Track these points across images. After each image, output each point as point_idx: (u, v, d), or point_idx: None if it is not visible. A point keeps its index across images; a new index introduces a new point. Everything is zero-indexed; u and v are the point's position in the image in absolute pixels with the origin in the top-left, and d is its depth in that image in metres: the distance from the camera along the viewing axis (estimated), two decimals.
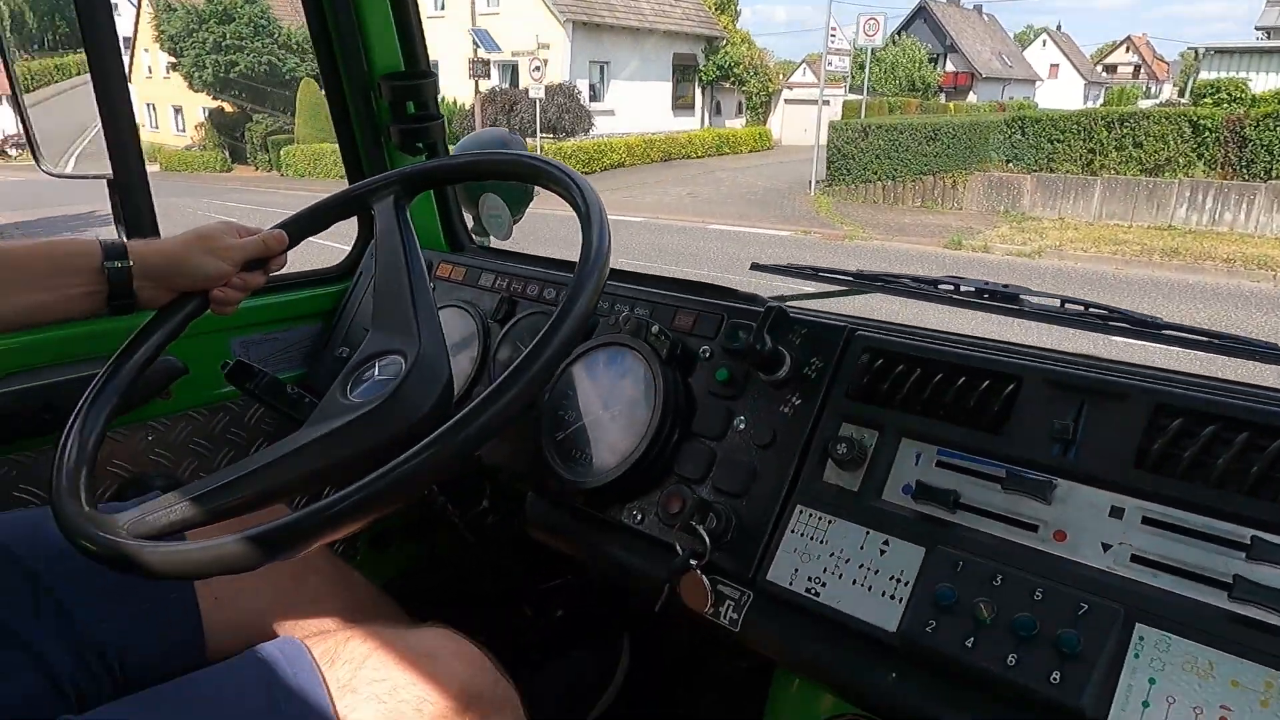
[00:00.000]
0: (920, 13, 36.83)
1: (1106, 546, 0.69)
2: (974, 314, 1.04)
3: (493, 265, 1.29)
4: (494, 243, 1.59)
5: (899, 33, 35.08)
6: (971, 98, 34.39)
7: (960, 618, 0.69)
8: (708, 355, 0.98)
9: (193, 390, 1.33)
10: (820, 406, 0.87)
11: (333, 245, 1.65)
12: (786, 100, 29.49)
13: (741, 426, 0.91)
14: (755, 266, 1.25)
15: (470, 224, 1.69)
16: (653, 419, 0.94)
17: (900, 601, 0.73)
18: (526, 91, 20.01)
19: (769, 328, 0.89)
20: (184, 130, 30.59)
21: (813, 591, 0.79)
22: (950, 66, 36.08)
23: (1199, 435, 0.68)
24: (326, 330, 1.47)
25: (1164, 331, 0.90)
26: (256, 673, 0.67)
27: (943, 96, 33.30)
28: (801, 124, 16.10)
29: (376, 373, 0.89)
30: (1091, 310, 0.97)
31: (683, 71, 27.44)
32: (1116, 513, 0.69)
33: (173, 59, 26.52)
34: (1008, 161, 14.49)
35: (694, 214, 14.19)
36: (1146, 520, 0.68)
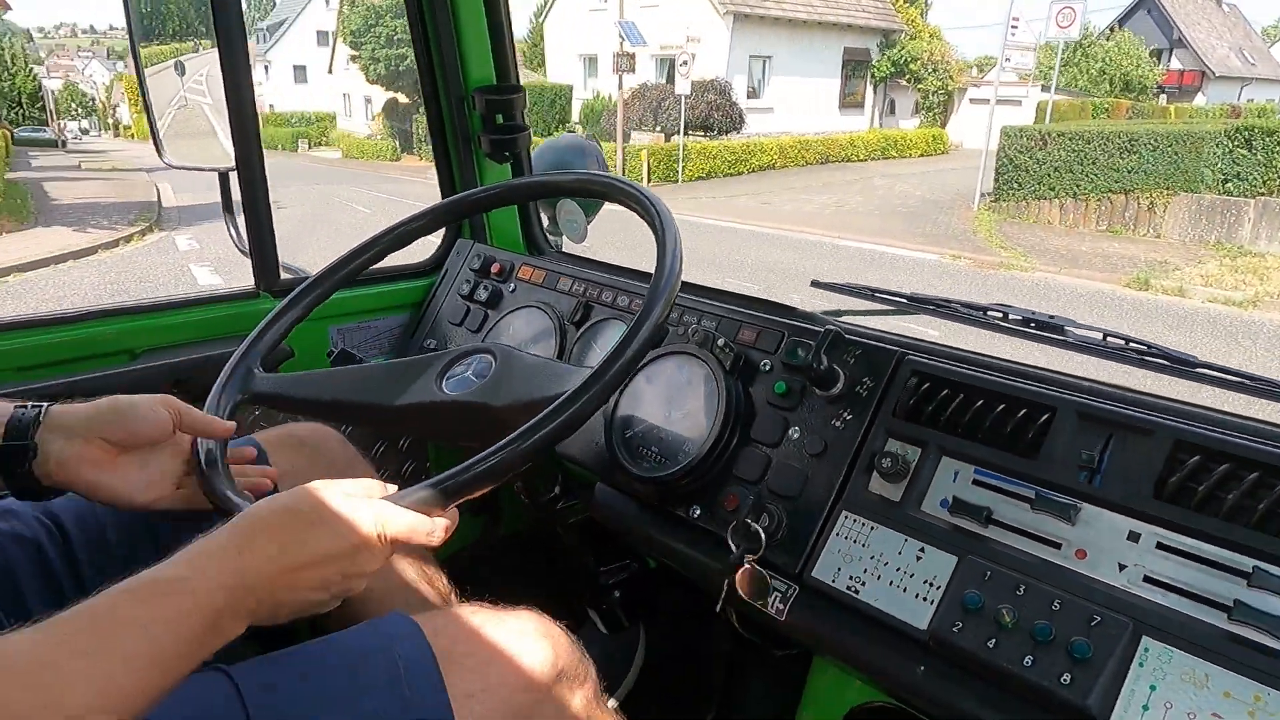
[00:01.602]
0: (1143, 2, 31.83)
1: (1122, 566, 0.76)
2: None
3: (570, 270, 1.40)
4: (569, 245, 1.70)
5: (1117, 25, 31.54)
6: (1200, 100, 30.19)
7: (985, 620, 0.78)
8: (768, 368, 1.07)
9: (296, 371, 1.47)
10: (869, 422, 0.96)
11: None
12: (971, 100, 26.59)
13: (796, 436, 1.01)
14: (815, 284, 1.34)
15: (546, 224, 1.80)
16: (715, 424, 1.04)
17: (931, 603, 0.82)
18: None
19: (826, 348, 0.98)
20: (371, 120, 32.84)
21: (853, 589, 0.88)
22: (1176, 64, 31.34)
23: (1213, 471, 0.75)
24: (415, 320, 1.59)
25: (1197, 370, 0.97)
26: (378, 644, 0.77)
27: (1163, 98, 29.51)
28: (987, 126, 13.44)
29: (462, 370, 1.01)
30: (1131, 345, 1.03)
31: (853, 67, 25.52)
32: (1134, 537, 0.77)
33: (353, 52, 27.86)
34: (1225, 181, 11.65)
35: (829, 227, 12.65)
36: (1160, 545, 0.76)
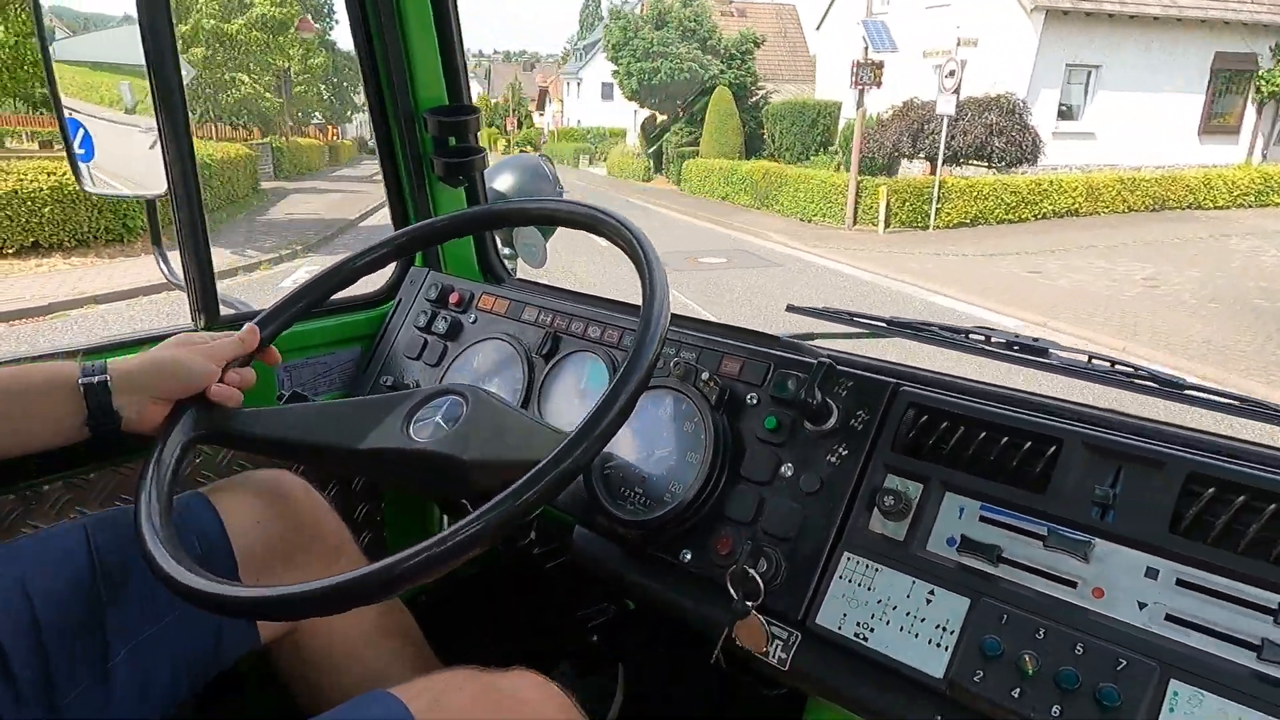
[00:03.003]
0: None
1: (1142, 605, 0.74)
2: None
3: (535, 300, 1.33)
4: (527, 272, 1.64)
5: None
6: None
7: (1006, 668, 0.74)
8: (754, 402, 1.03)
9: None
10: (866, 458, 0.92)
11: None
12: None
13: (789, 473, 0.96)
14: (791, 308, 1.30)
15: (502, 248, 1.73)
16: (704, 462, 0.99)
17: (946, 649, 0.79)
18: (934, 105, 14.19)
19: (820, 381, 0.94)
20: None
21: (861, 636, 0.84)
22: None
23: (1230, 504, 0.74)
24: (367, 355, 1.51)
25: (1185, 392, 0.96)
26: None
27: None
28: None
29: (431, 414, 0.94)
30: (1118, 368, 1.02)
31: (1227, 79, 17.76)
32: (1152, 573, 0.75)
33: (614, 67, 26.84)
34: None
35: (1119, 329, 7.70)
36: (1180, 582, 0.74)
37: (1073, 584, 0.78)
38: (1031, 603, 0.78)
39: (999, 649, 0.75)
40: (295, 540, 1.03)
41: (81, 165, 1.41)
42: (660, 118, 26.60)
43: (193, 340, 0.96)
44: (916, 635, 0.81)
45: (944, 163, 14.39)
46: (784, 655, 0.89)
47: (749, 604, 0.88)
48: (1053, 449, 0.84)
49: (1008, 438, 0.86)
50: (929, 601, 0.82)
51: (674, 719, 1.40)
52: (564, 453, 0.74)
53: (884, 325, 1.20)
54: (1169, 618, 0.73)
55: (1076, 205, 15.14)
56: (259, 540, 1.00)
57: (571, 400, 1.20)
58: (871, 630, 0.84)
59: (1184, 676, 0.69)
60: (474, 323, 1.38)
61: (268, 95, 26.55)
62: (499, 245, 1.67)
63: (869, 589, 0.86)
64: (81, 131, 1.44)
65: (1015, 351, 1.09)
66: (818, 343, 1.19)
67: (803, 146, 20.55)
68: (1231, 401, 0.95)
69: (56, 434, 0.87)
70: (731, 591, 0.90)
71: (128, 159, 1.44)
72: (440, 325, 1.40)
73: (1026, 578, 0.80)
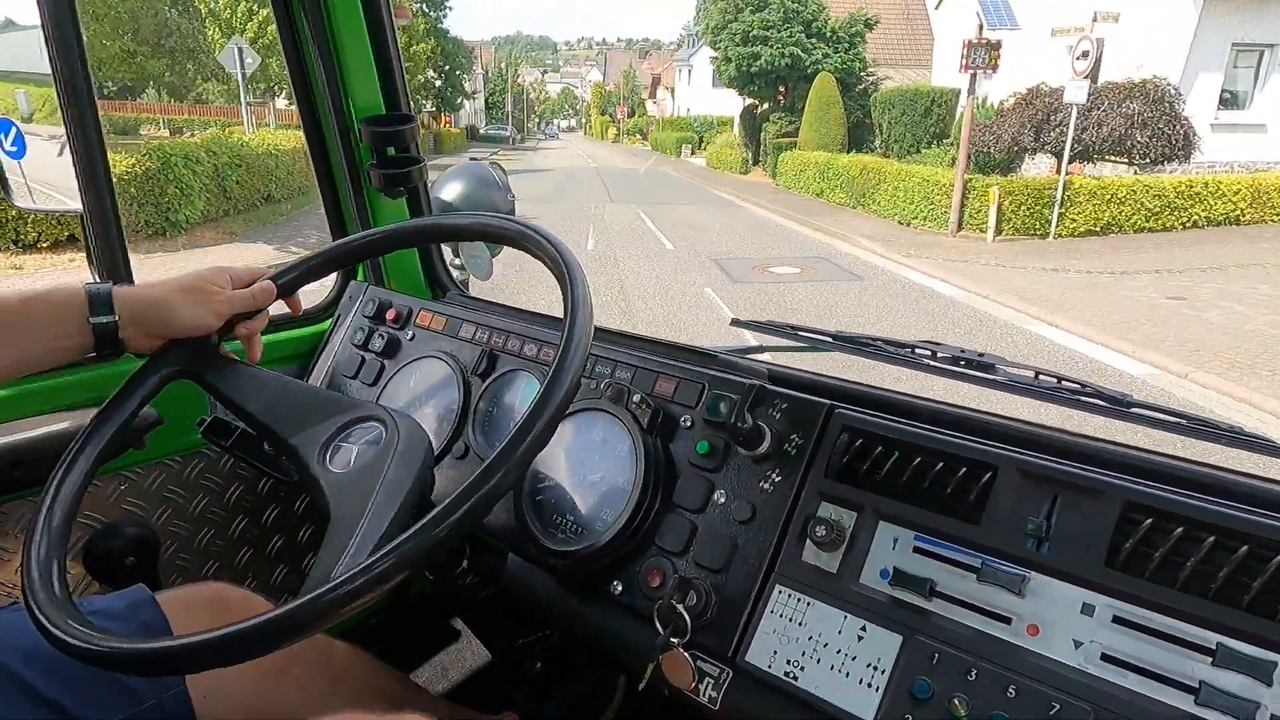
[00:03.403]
0: None
1: (1078, 643, 0.70)
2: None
3: (473, 317, 1.28)
4: (475, 287, 1.59)
5: None
6: None
7: (936, 712, 0.70)
8: (689, 425, 0.99)
9: (167, 438, 1.31)
10: (800, 484, 0.88)
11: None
12: None
13: (721, 500, 0.92)
14: (735, 323, 1.26)
15: (450, 258, 1.68)
16: (634, 489, 0.94)
17: (877, 690, 0.75)
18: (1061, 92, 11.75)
19: (750, 404, 0.90)
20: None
21: (791, 675, 0.80)
22: None
23: (1169, 534, 0.70)
24: (305, 372, 1.45)
25: (1133, 410, 0.93)
26: None
27: None
28: None
29: (355, 441, 0.89)
30: (1064, 384, 0.99)
31: None
32: (1088, 609, 0.71)
33: (713, 52, 24.53)
34: None
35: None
36: (1117, 619, 0.70)
37: (1007, 620, 0.74)
38: (964, 640, 0.73)
39: (929, 691, 0.71)
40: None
41: (8, 179, 1.35)
42: (761, 106, 23.80)
43: (209, 286, 0.94)
44: (847, 675, 0.77)
45: (1073, 159, 11.97)
46: (714, 694, 0.85)
47: (674, 640, 0.84)
48: (988, 475, 0.79)
49: (943, 463, 0.82)
50: (860, 639, 0.78)
51: None
52: (471, 488, 0.69)
53: (829, 340, 1.16)
54: (1105, 657, 0.69)
55: (1238, 211, 12.28)
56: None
57: (505, 420, 1.16)
58: (802, 669, 0.79)
59: None
60: (411, 339, 1.33)
61: None
62: (445, 257, 1.62)
63: (800, 624, 0.82)
64: (14, 130, 1.38)
65: (961, 368, 1.05)
66: (764, 356, 1.15)
67: (913, 138, 17.58)
68: (1179, 420, 0.91)
69: (60, 359, 0.89)
70: (658, 626, 0.86)
71: (49, 169, 1.38)
72: (377, 343, 1.35)
73: (960, 613, 0.76)
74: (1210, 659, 0.65)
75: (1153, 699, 0.65)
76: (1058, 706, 0.67)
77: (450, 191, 1.67)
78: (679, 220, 14.15)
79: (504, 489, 0.71)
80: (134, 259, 1.28)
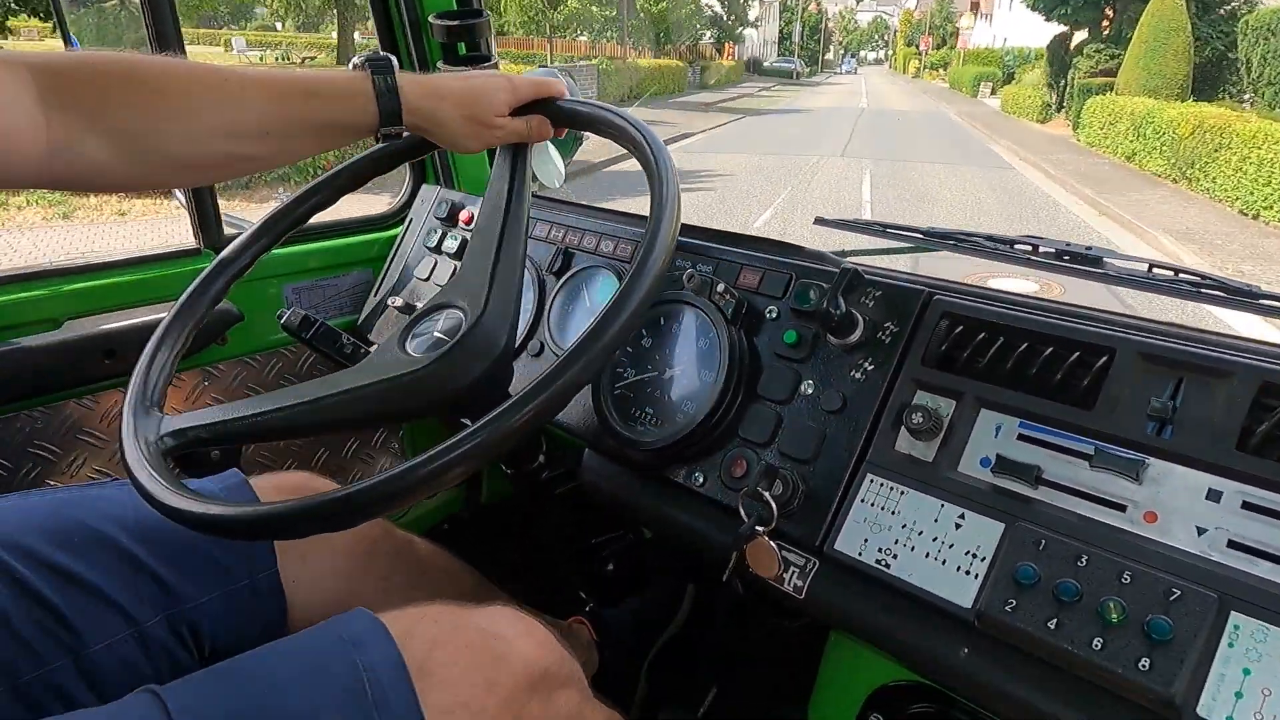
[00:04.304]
0: None
1: (1201, 530, 0.66)
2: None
3: (547, 216, 1.26)
4: (545, 190, 1.56)
5: None
6: None
7: (1043, 598, 0.67)
8: (775, 315, 0.95)
9: (247, 336, 1.33)
10: (894, 373, 0.84)
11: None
12: None
13: (809, 391, 0.89)
14: (819, 221, 1.21)
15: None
16: (718, 380, 0.92)
17: (976, 577, 0.72)
18: None
19: (843, 290, 0.86)
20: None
21: (883, 563, 0.77)
22: None
23: None
24: (377, 276, 1.45)
25: (1262, 301, 0.86)
26: (341, 650, 0.66)
27: None
28: None
29: (436, 328, 0.87)
30: (1181, 276, 0.92)
31: None
32: (1214, 495, 0.66)
33: None
34: None
35: None
36: (1246, 505, 0.65)
37: (1122, 508, 0.69)
38: (1074, 528, 0.70)
39: (1035, 577, 0.68)
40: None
41: None
42: (1077, 36, 18.31)
43: (490, 117, 0.88)
44: (944, 562, 0.74)
45: None
46: (800, 583, 0.83)
47: (759, 529, 0.82)
48: (1103, 360, 0.74)
49: (1053, 348, 0.77)
50: (958, 526, 0.75)
51: (693, 654, 1.36)
52: (548, 379, 0.67)
53: (920, 236, 1.10)
54: (1231, 544, 0.64)
55: None
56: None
57: (582, 317, 1.14)
58: (895, 557, 0.77)
59: (1246, 608, 0.61)
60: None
61: (593, 10, 25.01)
62: None
63: (893, 513, 0.79)
64: None
65: (1066, 261, 0.99)
66: (850, 259, 1.11)
67: None
68: None
69: (344, 136, 0.85)
70: (743, 514, 0.84)
71: None
72: (450, 245, 1.34)
73: (1069, 500, 0.72)
74: None
75: None
76: (1178, 593, 0.63)
77: None
78: (911, 185, 11.49)
79: (582, 382, 0.69)
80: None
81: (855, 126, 21.06)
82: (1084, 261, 0.98)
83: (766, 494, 0.83)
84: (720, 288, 0.96)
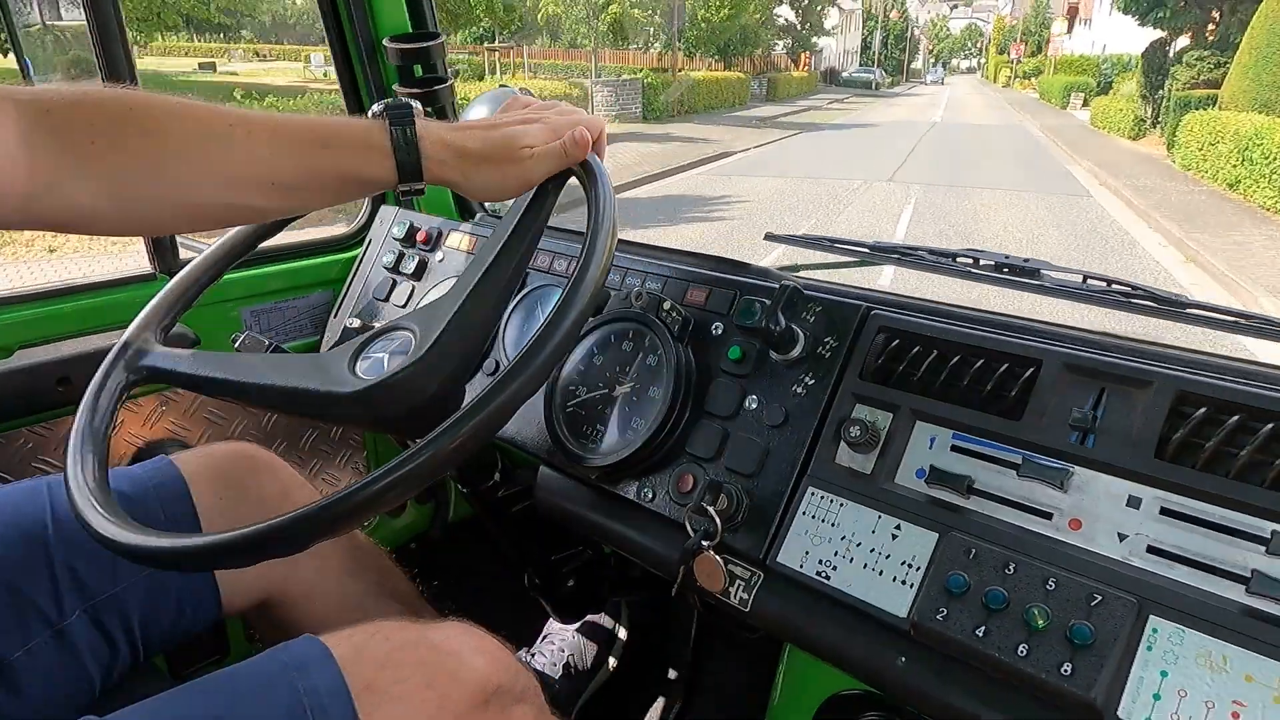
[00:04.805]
0: None
1: (1122, 536, 0.68)
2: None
3: None
4: (502, 208, 1.57)
5: None
6: None
7: (972, 606, 0.69)
8: (719, 332, 0.97)
9: None
10: (834, 387, 0.86)
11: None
12: None
13: (754, 406, 0.90)
14: (769, 236, 1.23)
15: None
16: (665, 397, 0.93)
17: (911, 587, 0.73)
18: None
19: (783, 305, 0.87)
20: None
21: (823, 575, 0.78)
22: None
23: (1222, 425, 0.66)
24: (338, 297, 1.46)
25: (1188, 310, 0.88)
26: (283, 675, 0.67)
27: None
28: None
29: (386, 349, 0.88)
30: (1114, 287, 0.94)
31: None
32: (1134, 502, 0.68)
33: None
34: None
35: None
36: (1165, 511, 0.67)
37: (1048, 515, 0.71)
38: (1003, 536, 0.72)
39: (965, 585, 0.70)
40: (261, 513, 1.00)
41: None
42: (1180, 42, 16.33)
43: (521, 151, 0.78)
44: (881, 573, 0.76)
45: None
46: (745, 596, 0.84)
47: (705, 543, 0.83)
48: (1030, 371, 0.76)
49: (983, 360, 0.79)
50: (894, 537, 0.76)
51: (656, 667, 1.37)
52: (486, 397, 0.68)
53: (867, 251, 1.12)
54: (1151, 549, 0.66)
55: None
56: (223, 511, 0.96)
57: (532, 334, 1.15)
58: (834, 569, 0.78)
59: (1164, 612, 0.63)
60: (441, 261, 1.33)
61: (634, 13, 22.86)
62: None
63: (833, 525, 0.80)
64: None
65: (1005, 274, 1.01)
66: (800, 274, 1.12)
67: None
68: (1238, 320, 0.87)
69: (359, 190, 0.79)
70: (689, 529, 0.85)
71: None
72: (408, 265, 1.35)
73: (999, 509, 0.74)
74: (1264, 547, 0.62)
75: (1200, 589, 0.63)
76: (1099, 598, 0.65)
77: (476, 114, 1.64)
78: (959, 218, 10.00)
79: (521, 397, 0.69)
80: None
81: (919, 143, 19.22)
82: (1022, 274, 1.00)
83: (711, 509, 0.84)
84: (667, 305, 0.98)
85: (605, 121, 0.85)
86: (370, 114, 0.76)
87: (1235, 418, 0.66)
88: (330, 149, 0.74)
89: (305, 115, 0.76)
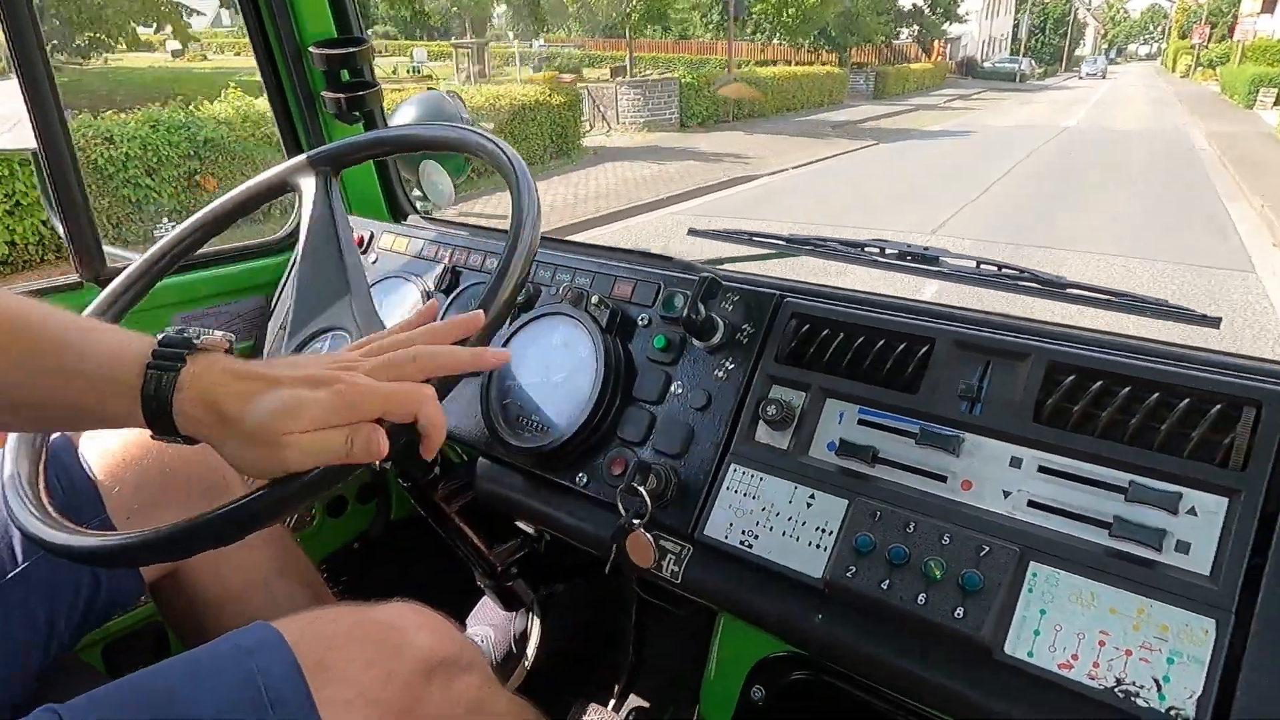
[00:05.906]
0: None
1: (1006, 493, 0.76)
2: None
3: (435, 236, 1.30)
4: (436, 210, 1.60)
5: None
6: None
7: (877, 562, 0.76)
8: (646, 323, 1.02)
9: None
10: (752, 370, 0.92)
11: None
12: None
13: (679, 391, 0.96)
14: (692, 232, 1.29)
15: (414, 190, 1.69)
16: (595, 386, 0.98)
17: (825, 550, 0.80)
18: None
19: (702, 296, 0.93)
20: None
21: (747, 544, 0.85)
22: None
23: (1088, 390, 0.75)
24: (270, 302, 1.47)
25: (1067, 290, 0.97)
26: (236, 658, 0.69)
27: None
28: None
29: (327, 349, 0.91)
30: (1004, 271, 1.03)
31: None
32: (1016, 463, 0.76)
33: None
34: None
35: None
36: (1042, 469, 0.75)
37: (943, 478, 0.79)
38: (904, 499, 0.79)
39: (871, 544, 0.76)
40: (168, 483, 1.01)
41: None
42: None
43: (350, 402, 0.65)
44: (798, 539, 0.82)
45: None
46: (676, 569, 0.90)
47: (635, 522, 0.88)
48: (925, 348, 0.84)
49: (884, 341, 0.87)
50: (809, 506, 0.83)
51: (598, 647, 1.42)
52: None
53: (783, 243, 1.19)
54: (1031, 504, 0.74)
55: None
56: (130, 485, 0.98)
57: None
58: (756, 538, 0.85)
59: (1042, 558, 0.71)
60: (375, 263, 1.35)
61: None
62: (405, 182, 1.63)
63: (754, 498, 0.86)
64: None
65: (909, 261, 1.09)
66: (723, 267, 1.19)
67: None
68: (1109, 296, 0.96)
69: (103, 424, 0.70)
70: (621, 509, 0.90)
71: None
72: None
73: (900, 475, 0.81)
74: (1123, 496, 0.70)
75: (1071, 535, 0.71)
76: (987, 549, 0.72)
77: (404, 117, 1.66)
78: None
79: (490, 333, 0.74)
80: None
81: (1020, 163, 13.65)
82: (923, 261, 1.08)
83: (642, 489, 0.90)
84: (595, 299, 1.03)
85: (470, 357, 0.72)
86: (159, 336, 0.67)
87: (1099, 383, 0.74)
88: (82, 378, 0.65)
89: (72, 323, 0.68)
